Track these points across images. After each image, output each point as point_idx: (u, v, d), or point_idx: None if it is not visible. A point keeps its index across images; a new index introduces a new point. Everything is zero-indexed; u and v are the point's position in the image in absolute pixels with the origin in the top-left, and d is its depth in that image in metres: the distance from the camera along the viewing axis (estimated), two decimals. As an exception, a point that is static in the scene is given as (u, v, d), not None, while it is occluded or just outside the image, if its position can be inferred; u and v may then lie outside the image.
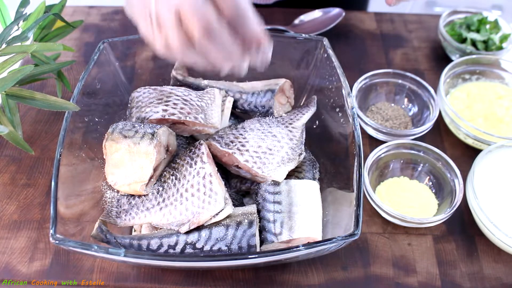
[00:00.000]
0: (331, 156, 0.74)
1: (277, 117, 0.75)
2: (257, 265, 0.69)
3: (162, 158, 0.67)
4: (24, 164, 0.80)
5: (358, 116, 0.76)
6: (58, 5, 0.84)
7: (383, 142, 0.80)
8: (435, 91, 0.88)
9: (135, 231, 0.70)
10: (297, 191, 0.67)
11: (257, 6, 1.07)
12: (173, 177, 0.66)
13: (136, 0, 0.54)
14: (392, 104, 0.89)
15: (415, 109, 0.88)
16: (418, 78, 0.88)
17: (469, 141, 0.83)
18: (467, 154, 0.83)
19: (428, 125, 0.83)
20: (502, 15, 1.02)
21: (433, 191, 0.78)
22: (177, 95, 0.73)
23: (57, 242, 0.56)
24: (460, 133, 0.83)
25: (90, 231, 0.63)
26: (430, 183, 0.79)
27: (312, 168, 0.72)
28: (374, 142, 0.84)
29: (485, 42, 0.96)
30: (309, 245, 0.57)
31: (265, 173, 0.67)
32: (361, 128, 0.85)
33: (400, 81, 0.89)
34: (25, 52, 0.71)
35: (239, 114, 0.81)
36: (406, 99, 0.88)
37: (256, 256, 0.58)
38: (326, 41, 0.76)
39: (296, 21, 1.03)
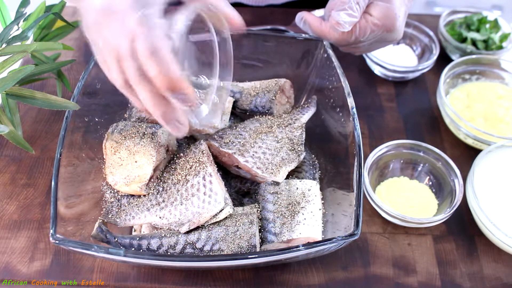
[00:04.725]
0: (331, 156, 0.74)
1: (277, 117, 0.75)
2: (257, 265, 0.69)
3: (162, 158, 0.67)
4: (24, 164, 0.80)
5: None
6: (58, 5, 0.84)
7: (383, 143, 0.80)
8: (435, 91, 0.88)
9: (135, 231, 0.70)
10: (297, 191, 0.67)
11: (257, 5, 1.07)
12: (173, 177, 0.66)
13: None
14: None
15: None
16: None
17: (469, 141, 0.83)
18: (467, 154, 0.83)
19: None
20: (502, 15, 1.02)
21: (433, 191, 0.78)
22: (177, 95, 0.73)
23: (57, 242, 0.56)
24: (460, 133, 0.83)
25: (90, 231, 0.63)
26: (430, 183, 0.79)
27: (312, 168, 0.72)
28: (374, 142, 0.84)
29: (485, 41, 0.96)
30: (309, 245, 0.57)
31: (265, 173, 0.67)
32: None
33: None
34: (25, 51, 0.71)
35: (239, 114, 0.80)
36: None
37: (256, 256, 0.58)
38: (326, 41, 0.76)
39: (296, 21, 1.02)
